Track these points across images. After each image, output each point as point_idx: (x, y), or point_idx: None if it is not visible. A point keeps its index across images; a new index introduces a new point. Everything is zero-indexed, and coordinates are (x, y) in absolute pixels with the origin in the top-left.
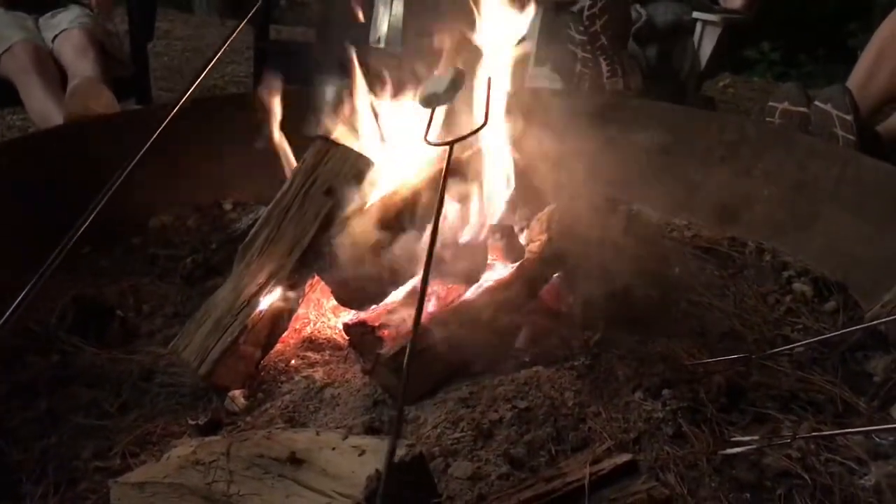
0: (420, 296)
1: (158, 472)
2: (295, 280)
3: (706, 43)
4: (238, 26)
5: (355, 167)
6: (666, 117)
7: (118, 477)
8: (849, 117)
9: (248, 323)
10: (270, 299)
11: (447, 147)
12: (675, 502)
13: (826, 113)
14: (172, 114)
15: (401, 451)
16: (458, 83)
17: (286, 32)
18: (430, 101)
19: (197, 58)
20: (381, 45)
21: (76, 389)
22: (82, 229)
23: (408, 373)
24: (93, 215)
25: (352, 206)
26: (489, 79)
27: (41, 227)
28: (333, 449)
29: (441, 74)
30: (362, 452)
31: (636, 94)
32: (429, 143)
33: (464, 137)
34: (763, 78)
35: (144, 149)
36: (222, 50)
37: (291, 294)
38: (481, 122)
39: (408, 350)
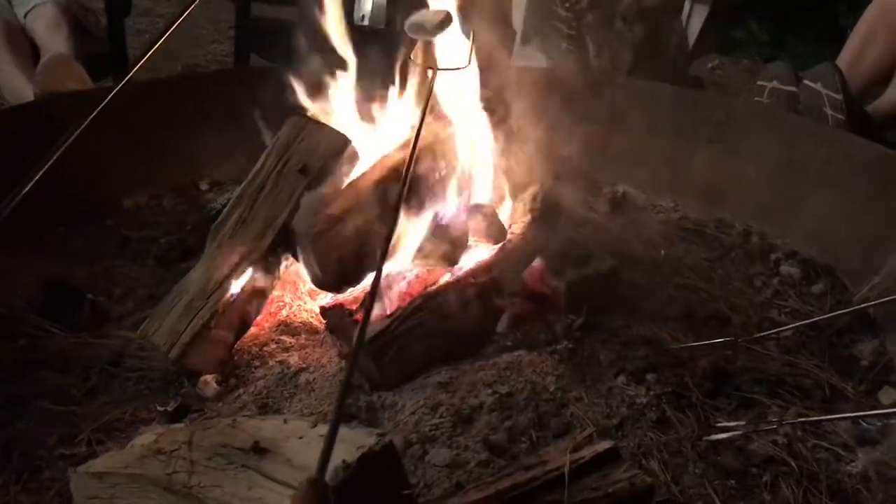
0: (379, 260)
1: (119, 462)
2: (269, 262)
3: (694, 22)
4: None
5: (331, 144)
6: (653, 96)
7: (81, 466)
8: (839, 96)
9: (219, 306)
10: (243, 282)
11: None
12: (659, 490)
13: (815, 92)
14: (123, 83)
15: (370, 441)
16: (445, 24)
17: (269, 10)
18: (415, 30)
19: (179, 36)
20: (365, 22)
21: (43, 374)
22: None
23: (357, 352)
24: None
25: (328, 185)
26: (473, 31)
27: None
28: (300, 438)
29: (433, 10)
30: None
31: (623, 72)
32: (414, 64)
33: (446, 69)
34: (751, 59)
35: (78, 130)
36: (183, 17)
37: (265, 276)
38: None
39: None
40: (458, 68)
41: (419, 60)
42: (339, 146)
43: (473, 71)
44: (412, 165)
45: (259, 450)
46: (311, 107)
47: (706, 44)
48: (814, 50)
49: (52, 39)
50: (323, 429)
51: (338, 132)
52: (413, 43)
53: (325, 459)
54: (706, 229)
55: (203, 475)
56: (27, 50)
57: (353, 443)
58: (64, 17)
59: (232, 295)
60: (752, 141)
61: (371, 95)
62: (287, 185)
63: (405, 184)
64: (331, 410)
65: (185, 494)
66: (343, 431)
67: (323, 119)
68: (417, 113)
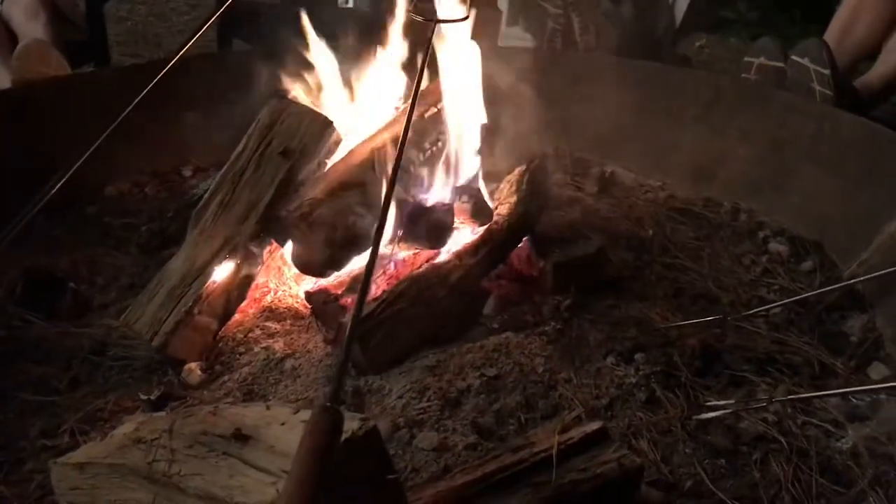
0: (375, 240)
1: (100, 452)
2: (252, 247)
3: (681, 1)
4: None
5: (313, 127)
6: (640, 75)
7: (65, 455)
8: (826, 71)
9: (202, 293)
10: (226, 267)
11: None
12: (649, 469)
13: (803, 67)
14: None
15: (353, 425)
16: None
17: None
18: None
19: (160, 22)
20: (350, 4)
21: (25, 365)
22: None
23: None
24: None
25: (310, 168)
26: None
27: None
28: (282, 424)
29: None
30: None
31: (610, 52)
32: (413, 17)
33: (447, 21)
34: (740, 38)
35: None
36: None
37: (248, 261)
38: None
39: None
40: (457, 20)
41: (418, 15)
42: (320, 128)
43: (474, 48)
44: (408, 132)
45: (240, 437)
46: (294, 88)
47: (694, 22)
48: (801, 29)
49: (30, 26)
50: (306, 415)
51: (319, 113)
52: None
53: (337, 386)
54: (694, 208)
55: (183, 463)
56: (4, 37)
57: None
58: (41, 4)
59: (214, 281)
60: (740, 118)
61: (356, 74)
62: (269, 169)
63: (416, 93)
64: (317, 396)
65: (165, 483)
66: None
67: (306, 100)
68: (409, 77)
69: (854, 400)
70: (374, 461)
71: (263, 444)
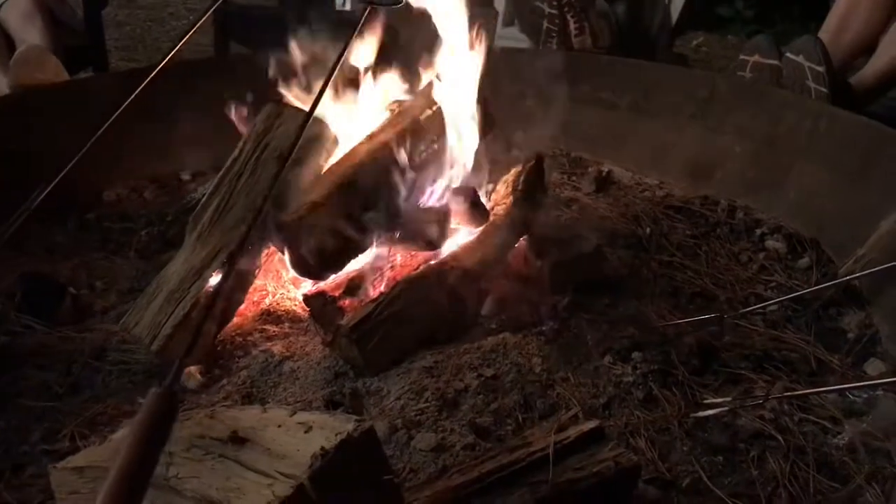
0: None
1: (99, 456)
2: (249, 250)
3: None
4: None
5: (309, 130)
6: (636, 75)
7: (65, 459)
8: (821, 69)
9: (200, 296)
10: (223, 271)
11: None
12: (646, 468)
13: (798, 65)
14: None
15: (349, 427)
16: None
17: None
18: None
19: (158, 27)
20: (346, 6)
21: (25, 371)
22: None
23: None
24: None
25: (306, 172)
26: None
27: None
28: (279, 426)
29: None
30: (309, 429)
31: (605, 51)
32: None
33: (381, 4)
34: (737, 36)
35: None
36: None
37: (247, 265)
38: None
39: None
40: (392, 4)
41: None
42: (316, 132)
43: (472, 52)
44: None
45: (237, 439)
46: (291, 92)
47: (690, 20)
48: (799, 26)
49: (27, 32)
50: (302, 416)
51: (315, 118)
52: None
53: (178, 372)
54: (691, 206)
55: (181, 466)
56: (1, 43)
57: (332, 429)
58: (38, 9)
59: (212, 285)
60: (736, 116)
61: (351, 76)
62: (265, 173)
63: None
64: (316, 398)
65: (162, 486)
66: (322, 418)
67: (302, 104)
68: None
69: (851, 396)
70: (370, 462)
71: (260, 446)
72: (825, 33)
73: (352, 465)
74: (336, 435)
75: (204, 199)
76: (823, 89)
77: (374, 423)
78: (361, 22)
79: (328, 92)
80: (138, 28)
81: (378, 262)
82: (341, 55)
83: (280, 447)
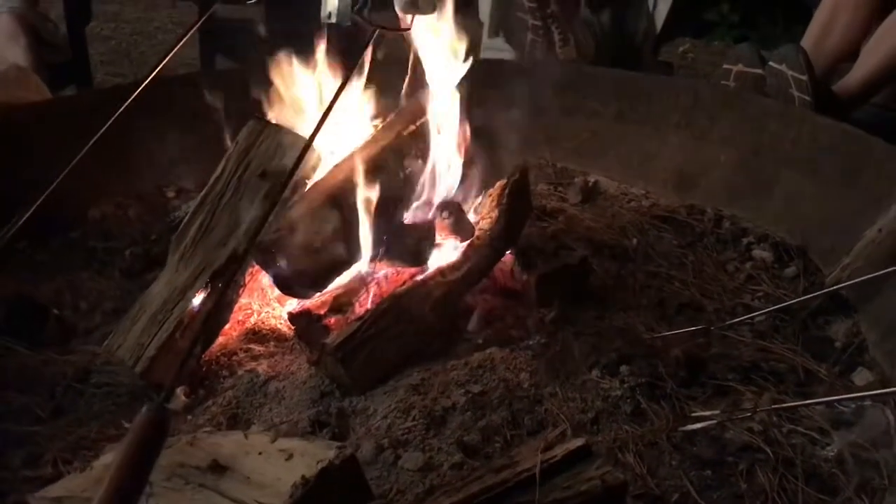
0: None
1: (78, 486)
2: (232, 270)
3: (661, 5)
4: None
5: (292, 148)
6: (620, 84)
7: (44, 489)
8: (804, 77)
9: (183, 317)
10: (206, 291)
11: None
12: (635, 483)
13: (781, 73)
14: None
15: (330, 454)
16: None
17: (233, 10)
18: (407, 8)
19: (145, 41)
20: (333, 20)
21: (7, 394)
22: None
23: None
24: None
25: (289, 190)
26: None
27: None
28: (260, 454)
29: None
30: (290, 456)
31: (589, 61)
32: (358, 21)
33: (387, 28)
34: (723, 41)
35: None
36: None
37: (230, 284)
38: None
39: None
40: (400, 29)
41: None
42: (300, 148)
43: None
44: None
45: (217, 468)
46: (274, 109)
47: (675, 28)
48: (784, 29)
49: (11, 51)
50: (284, 443)
51: (297, 135)
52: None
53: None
54: (677, 216)
55: (160, 497)
56: None
57: (313, 457)
58: (21, 28)
59: (195, 305)
60: (721, 125)
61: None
62: (248, 192)
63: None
64: (302, 419)
65: None
66: (304, 445)
67: (287, 120)
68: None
69: (839, 406)
70: (351, 489)
71: (240, 474)
72: (808, 40)
73: (333, 492)
74: (317, 463)
75: (186, 218)
76: (807, 97)
77: (359, 444)
78: (369, 45)
79: (314, 108)
80: (124, 42)
81: (363, 278)
82: (345, 82)
83: (260, 476)
